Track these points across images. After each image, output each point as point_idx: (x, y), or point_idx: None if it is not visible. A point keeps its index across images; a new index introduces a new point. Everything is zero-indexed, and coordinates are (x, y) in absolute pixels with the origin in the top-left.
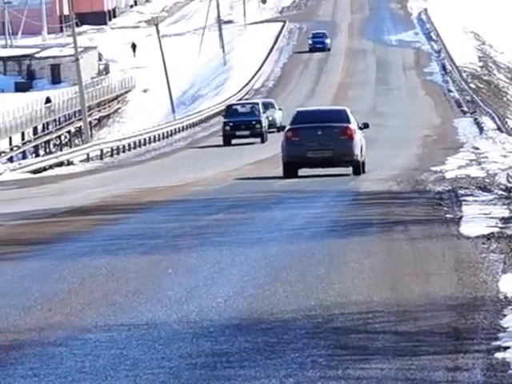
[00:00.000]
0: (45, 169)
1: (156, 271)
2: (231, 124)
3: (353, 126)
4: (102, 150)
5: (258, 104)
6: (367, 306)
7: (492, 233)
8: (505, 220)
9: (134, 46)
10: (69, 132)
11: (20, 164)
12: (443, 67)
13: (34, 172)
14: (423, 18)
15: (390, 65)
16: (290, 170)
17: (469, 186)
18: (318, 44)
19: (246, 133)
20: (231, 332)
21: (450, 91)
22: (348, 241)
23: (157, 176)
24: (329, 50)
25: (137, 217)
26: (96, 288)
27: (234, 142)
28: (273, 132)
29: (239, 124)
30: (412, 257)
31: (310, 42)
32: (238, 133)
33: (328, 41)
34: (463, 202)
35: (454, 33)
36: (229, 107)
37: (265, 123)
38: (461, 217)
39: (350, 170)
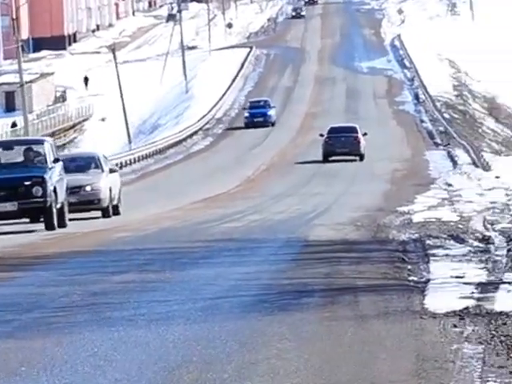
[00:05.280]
0: None
1: (5, 368)
2: None
3: (360, 135)
4: None
5: (43, 142)
6: None
7: (466, 308)
8: (482, 287)
9: (86, 80)
10: None
11: None
12: (416, 96)
13: None
14: (396, 44)
15: (360, 93)
16: (326, 157)
17: (439, 234)
18: (258, 116)
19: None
20: None
21: (422, 121)
22: (277, 320)
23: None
24: (272, 124)
25: (27, 276)
26: None
27: None
28: (96, 218)
29: None
30: (358, 350)
31: (246, 113)
32: None
33: (272, 112)
34: (431, 258)
35: (428, 60)
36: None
37: (51, 187)
38: (427, 280)
39: (357, 158)
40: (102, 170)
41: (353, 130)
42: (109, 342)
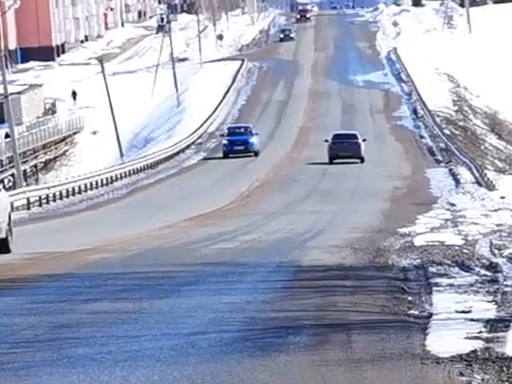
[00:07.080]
0: None
1: None
2: None
3: (360, 141)
4: (28, 199)
5: None
6: None
7: (474, 351)
8: (491, 325)
9: (74, 94)
10: (12, 175)
11: None
12: (414, 111)
13: None
14: (392, 57)
15: (356, 108)
16: (331, 160)
17: (443, 259)
18: (238, 144)
19: None
20: None
21: (422, 137)
22: (259, 363)
23: (76, 232)
24: (256, 154)
25: None
26: None
27: None
28: None
29: None
30: None
31: (225, 141)
32: None
33: (254, 140)
34: (434, 288)
35: (425, 73)
36: None
37: None
38: (429, 315)
39: (358, 161)
40: None
41: (354, 136)
42: None
